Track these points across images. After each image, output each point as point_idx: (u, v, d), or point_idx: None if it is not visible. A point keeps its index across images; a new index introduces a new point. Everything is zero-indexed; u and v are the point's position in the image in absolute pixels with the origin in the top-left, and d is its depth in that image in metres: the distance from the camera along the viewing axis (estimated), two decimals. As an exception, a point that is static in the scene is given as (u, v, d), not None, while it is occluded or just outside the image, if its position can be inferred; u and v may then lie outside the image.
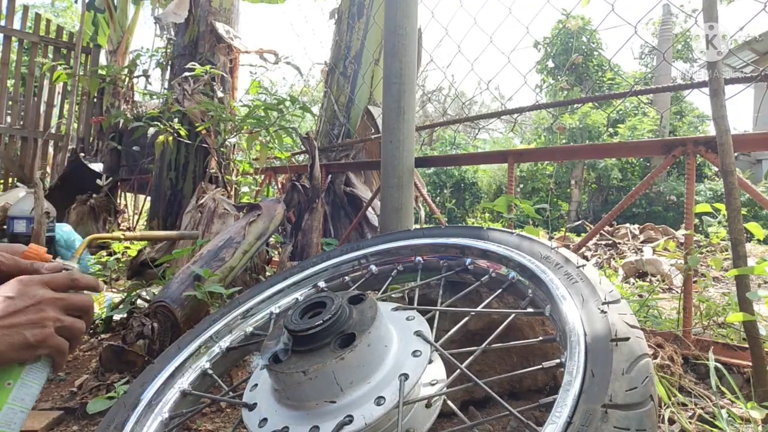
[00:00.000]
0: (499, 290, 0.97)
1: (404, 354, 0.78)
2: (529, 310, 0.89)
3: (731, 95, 1.31)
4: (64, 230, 3.10)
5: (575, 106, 10.69)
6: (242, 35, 2.77)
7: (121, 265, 2.80)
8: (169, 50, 3.02)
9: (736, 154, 1.13)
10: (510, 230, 1.06)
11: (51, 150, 6.27)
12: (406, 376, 0.74)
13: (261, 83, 2.70)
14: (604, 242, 4.49)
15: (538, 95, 13.27)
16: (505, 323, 0.87)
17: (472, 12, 2.07)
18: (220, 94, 2.40)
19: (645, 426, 0.57)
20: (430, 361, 0.83)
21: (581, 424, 0.56)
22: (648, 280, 3.15)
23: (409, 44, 1.85)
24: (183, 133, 2.30)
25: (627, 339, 0.67)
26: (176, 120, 2.36)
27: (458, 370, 0.80)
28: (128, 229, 4.62)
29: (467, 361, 0.81)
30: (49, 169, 5.96)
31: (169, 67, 2.97)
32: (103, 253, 3.09)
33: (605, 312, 0.72)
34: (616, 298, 0.76)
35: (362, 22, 3.01)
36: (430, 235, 1.20)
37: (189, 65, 2.32)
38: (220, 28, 2.53)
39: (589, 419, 0.56)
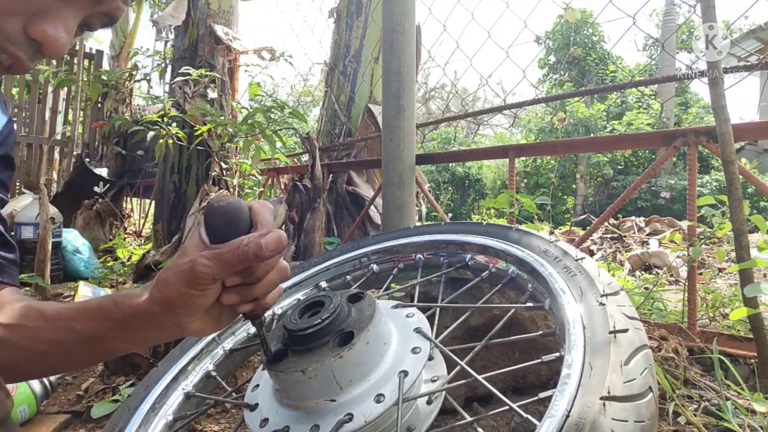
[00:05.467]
0: (499, 285, 0.97)
1: (404, 351, 0.78)
2: (529, 304, 0.89)
3: (731, 84, 1.30)
4: (71, 236, 3.13)
5: (568, 101, 10.63)
6: (242, 36, 2.77)
7: (126, 269, 2.81)
8: (168, 53, 3.03)
9: (741, 144, 1.13)
10: (509, 225, 1.06)
11: (57, 156, 6.30)
12: (405, 373, 0.74)
13: (260, 84, 2.70)
14: (609, 236, 4.46)
15: (539, 90, 13.22)
16: (505, 318, 0.87)
17: (469, 7, 2.06)
18: (213, 95, 2.40)
19: (643, 417, 0.57)
20: (431, 358, 0.83)
21: (579, 416, 0.56)
22: (654, 272, 3.13)
23: (407, 42, 1.84)
24: (182, 136, 2.31)
25: (625, 330, 0.66)
26: (175, 123, 2.36)
27: (458, 367, 0.80)
28: (135, 233, 4.64)
29: (467, 357, 0.81)
30: (55, 175, 5.98)
31: (169, 70, 2.97)
32: (109, 258, 3.11)
33: (604, 304, 0.72)
34: (615, 290, 0.75)
35: (361, 21, 3.00)
36: (430, 232, 1.20)
37: (185, 68, 2.32)
38: (219, 30, 2.53)
39: (587, 412, 0.56)
